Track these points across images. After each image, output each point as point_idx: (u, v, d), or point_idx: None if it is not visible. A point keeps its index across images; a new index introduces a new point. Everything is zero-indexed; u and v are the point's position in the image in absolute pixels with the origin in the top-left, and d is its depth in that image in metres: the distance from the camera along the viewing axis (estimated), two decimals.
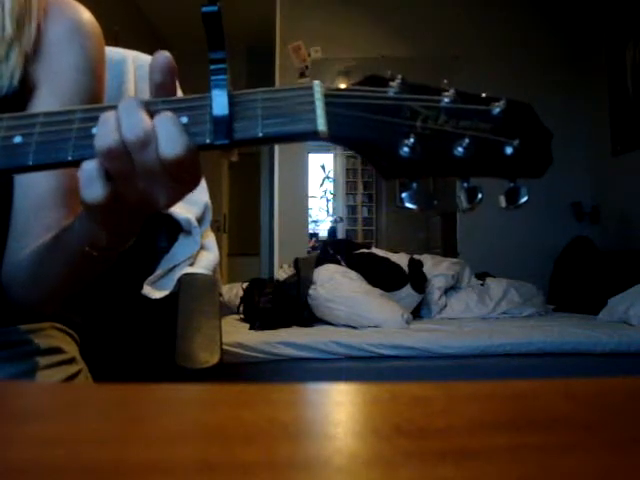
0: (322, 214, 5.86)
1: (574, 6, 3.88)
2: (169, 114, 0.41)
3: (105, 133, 0.41)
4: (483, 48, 3.91)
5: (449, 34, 3.94)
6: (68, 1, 0.71)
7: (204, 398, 0.34)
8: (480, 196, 0.40)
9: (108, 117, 0.41)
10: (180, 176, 0.43)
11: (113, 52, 0.91)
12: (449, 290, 2.96)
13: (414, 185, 0.41)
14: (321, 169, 5.82)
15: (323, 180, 5.84)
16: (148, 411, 0.29)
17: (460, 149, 0.40)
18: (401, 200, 0.41)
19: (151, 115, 0.41)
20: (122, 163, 0.41)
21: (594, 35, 3.80)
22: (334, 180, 5.80)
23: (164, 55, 0.43)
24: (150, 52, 0.99)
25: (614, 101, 3.59)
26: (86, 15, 0.71)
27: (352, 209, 5.62)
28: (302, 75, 3.97)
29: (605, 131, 3.65)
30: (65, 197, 0.64)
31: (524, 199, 0.41)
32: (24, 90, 0.66)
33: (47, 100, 0.66)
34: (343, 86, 0.42)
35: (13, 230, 0.63)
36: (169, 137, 0.41)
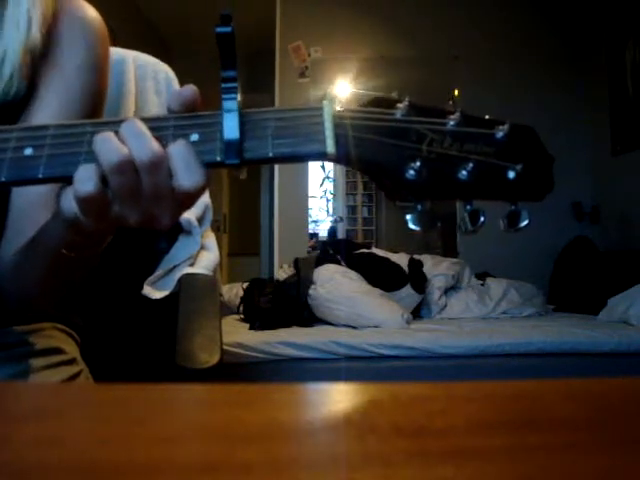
0: (322, 214, 5.85)
1: (574, 6, 3.87)
2: (183, 142, 0.41)
3: (112, 149, 0.40)
4: (483, 48, 3.91)
5: (449, 34, 3.94)
6: None
7: (204, 398, 0.34)
8: (482, 219, 0.41)
9: (110, 136, 0.41)
10: (189, 202, 0.43)
11: (113, 52, 0.90)
12: (449, 290, 2.96)
13: (419, 207, 0.41)
14: (321, 169, 5.81)
15: (323, 180, 5.83)
16: (148, 411, 0.29)
17: (464, 172, 0.40)
18: (405, 222, 0.41)
19: (159, 138, 0.41)
20: (129, 180, 0.41)
21: (594, 35, 3.80)
22: (334, 180, 5.80)
23: (192, 89, 0.43)
24: (150, 52, 0.99)
25: (614, 101, 3.58)
26: (91, 13, 0.71)
27: (352, 209, 5.61)
28: (302, 75, 3.97)
29: (605, 131, 3.65)
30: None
31: (525, 222, 0.41)
32: (31, 91, 0.66)
33: (51, 99, 0.65)
34: (353, 100, 0.42)
35: (9, 228, 0.63)
36: (187, 168, 0.41)
